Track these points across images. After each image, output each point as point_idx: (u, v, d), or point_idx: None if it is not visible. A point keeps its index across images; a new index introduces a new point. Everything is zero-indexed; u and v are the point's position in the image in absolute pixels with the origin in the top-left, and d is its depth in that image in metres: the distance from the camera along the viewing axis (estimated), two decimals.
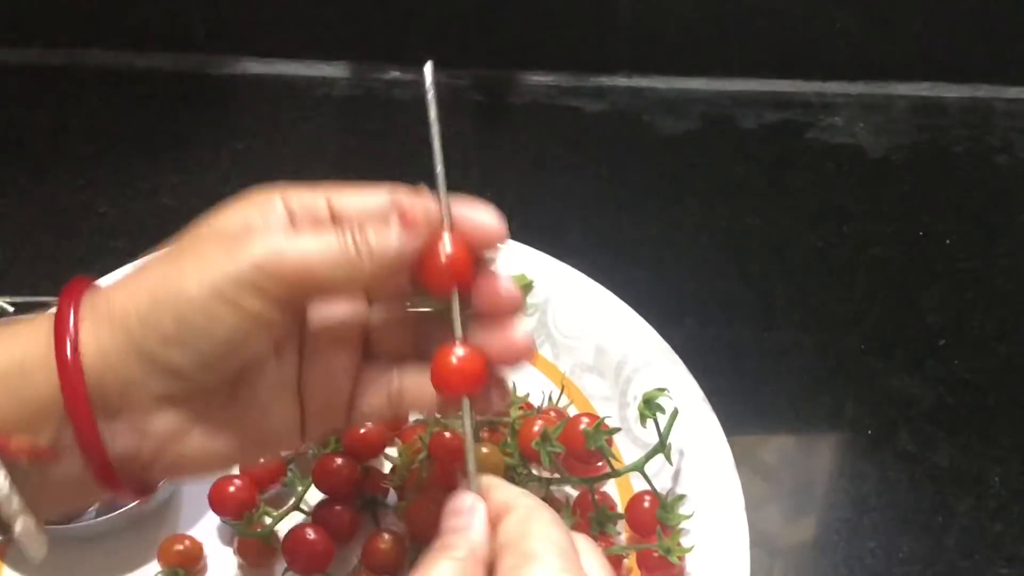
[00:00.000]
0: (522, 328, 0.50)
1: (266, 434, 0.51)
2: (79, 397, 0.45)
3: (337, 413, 0.52)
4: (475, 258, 0.48)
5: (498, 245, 0.49)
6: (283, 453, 0.68)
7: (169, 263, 0.47)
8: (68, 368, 0.45)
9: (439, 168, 0.48)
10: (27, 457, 0.45)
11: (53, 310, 0.46)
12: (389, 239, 0.46)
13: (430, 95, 0.49)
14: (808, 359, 0.78)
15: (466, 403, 0.48)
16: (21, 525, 0.46)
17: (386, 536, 0.65)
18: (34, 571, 0.67)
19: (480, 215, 0.49)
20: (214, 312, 0.45)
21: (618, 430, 0.64)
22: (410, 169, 0.85)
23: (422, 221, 0.47)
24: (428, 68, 0.49)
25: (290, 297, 0.46)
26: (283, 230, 0.47)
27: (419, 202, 0.47)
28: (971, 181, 0.90)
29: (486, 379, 0.49)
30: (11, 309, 0.77)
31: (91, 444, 0.46)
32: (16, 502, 0.45)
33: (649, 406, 0.63)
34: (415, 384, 0.52)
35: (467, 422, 0.49)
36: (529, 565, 0.43)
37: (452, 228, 0.47)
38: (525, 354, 0.50)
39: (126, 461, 0.47)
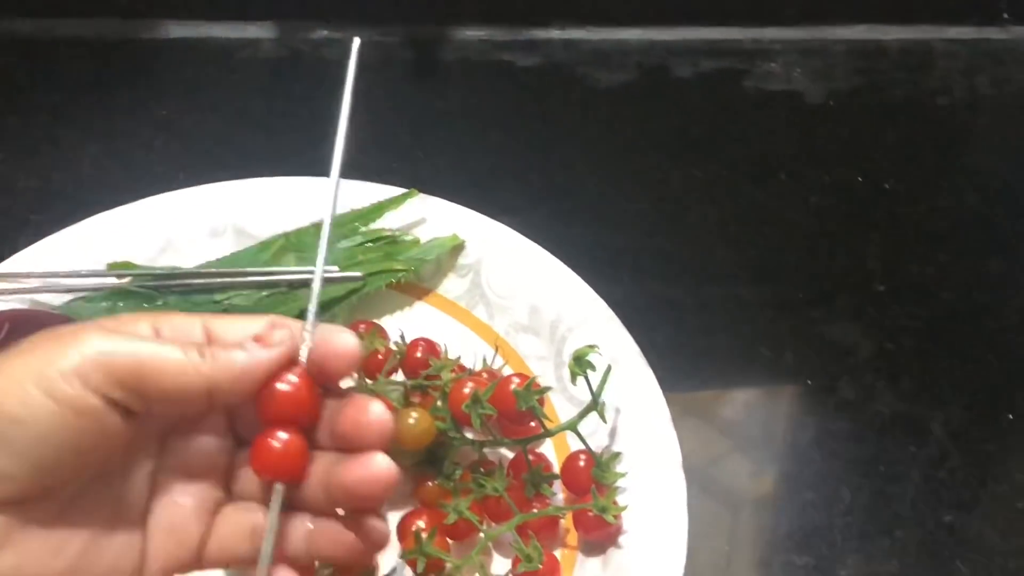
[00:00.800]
0: (383, 461, 0.45)
1: (96, 566, 0.45)
2: None
3: (186, 552, 0.47)
4: (318, 395, 0.46)
5: (351, 371, 0.47)
6: None
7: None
8: None
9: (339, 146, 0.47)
10: None
11: None
12: (240, 354, 0.44)
13: (349, 79, 0.48)
14: (747, 311, 0.77)
15: (278, 489, 0.46)
16: None
17: None
18: None
19: (337, 339, 0.46)
20: (30, 400, 0.41)
21: (549, 389, 0.63)
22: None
23: (276, 342, 0.45)
24: (355, 46, 0.48)
25: (121, 394, 0.42)
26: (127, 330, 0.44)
27: (283, 330, 0.45)
28: (911, 125, 0.89)
29: (304, 467, 0.46)
30: None
31: None
32: None
33: (579, 363, 0.62)
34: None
35: (274, 512, 0.46)
36: None
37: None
38: (385, 487, 0.45)
39: None
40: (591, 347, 0.63)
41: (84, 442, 0.42)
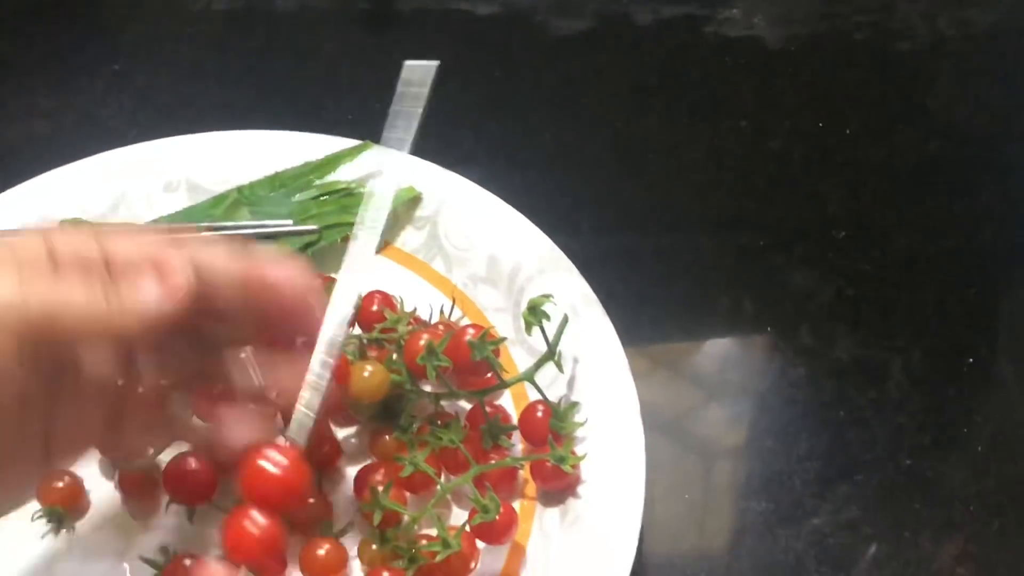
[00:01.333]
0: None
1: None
2: None
3: (84, 451, 0.51)
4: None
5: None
6: None
7: None
8: None
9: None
10: None
11: None
12: (143, 296, 0.45)
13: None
14: (706, 259, 0.77)
15: None
16: None
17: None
18: None
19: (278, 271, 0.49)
20: None
21: (503, 340, 0.63)
22: (294, 84, 0.83)
23: (181, 282, 0.46)
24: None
25: (32, 351, 0.43)
26: (37, 274, 0.44)
27: (180, 260, 0.46)
28: (872, 69, 0.89)
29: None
30: None
31: None
32: None
33: (534, 313, 0.62)
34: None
35: None
36: None
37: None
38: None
39: None
40: (546, 296, 0.62)
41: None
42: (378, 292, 0.70)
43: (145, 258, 0.46)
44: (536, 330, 0.66)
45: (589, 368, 0.67)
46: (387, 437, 0.65)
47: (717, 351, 0.73)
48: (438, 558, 0.59)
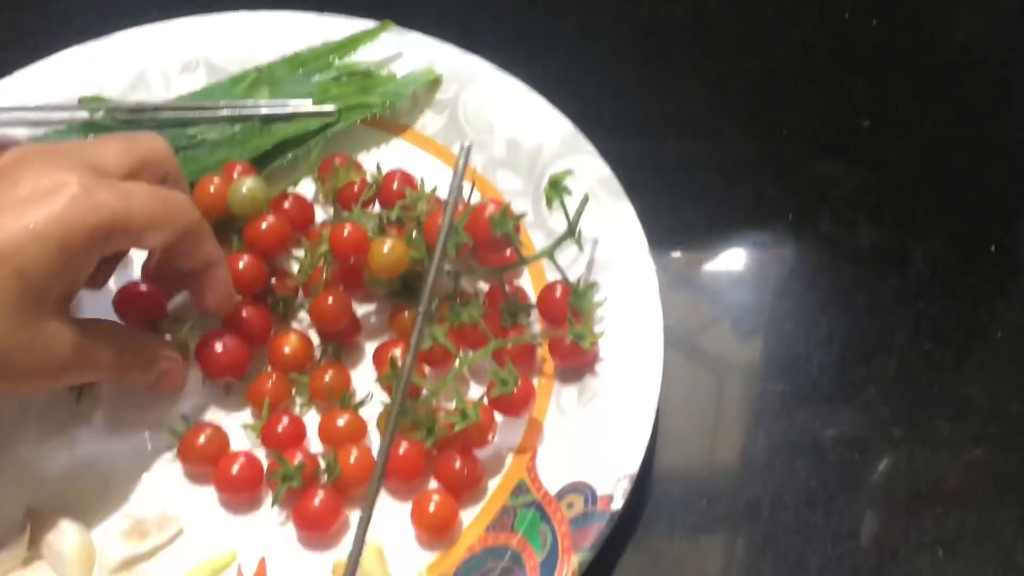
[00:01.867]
0: None
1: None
2: None
3: None
4: None
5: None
6: None
7: None
8: None
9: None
10: None
11: None
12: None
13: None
14: (728, 147, 0.77)
15: None
16: None
17: (292, 336, 0.64)
18: None
19: None
20: None
21: (524, 215, 0.63)
22: None
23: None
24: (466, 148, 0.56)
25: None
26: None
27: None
28: None
29: None
30: None
31: None
32: None
33: (555, 188, 0.62)
34: None
35: None
36: None
37: None
38: None
39: None
40: (567, 172, 0.62)
41: None
42: (399, 171, 0.70)
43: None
44: (556, 215, 0.67)
45: (608, 248, 0.67)
46: (406, 313, 0.66)
47: (737, 237, 0.73)
48: (457, 428, 0.59)
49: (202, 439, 0.62)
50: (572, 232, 0.64)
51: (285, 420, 0.62)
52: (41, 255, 0.51)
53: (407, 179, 0.70)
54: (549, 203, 0.62)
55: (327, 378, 0.64)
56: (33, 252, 0.51)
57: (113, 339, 0.58)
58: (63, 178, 0.52)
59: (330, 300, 0.64)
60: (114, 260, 0.63)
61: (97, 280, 0.62)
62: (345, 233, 0.64)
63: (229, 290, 0.62)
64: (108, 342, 0.57)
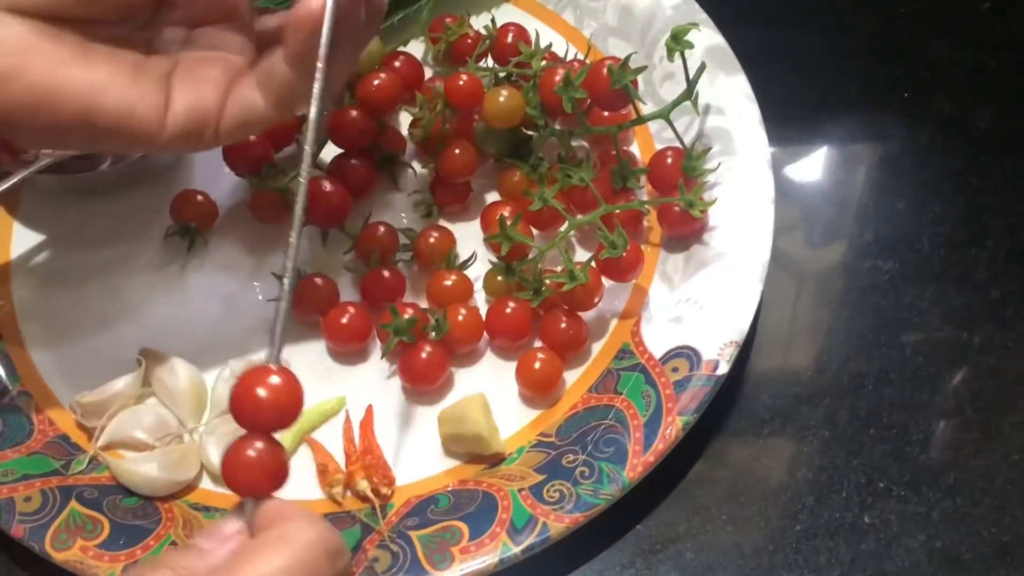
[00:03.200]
0: None
1: (122, 91, 0.48)
2: None
3: (202, 116, 0.50)
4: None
5: None
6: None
7: None
8: None
9: None
10: None
11: None
12: None
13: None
14: (844, 24, 0.73)
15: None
16: None
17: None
18: (46, 227, 0.64)
19: None
20: None
21: (644, 68, 0.59)
22: None
23: None
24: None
25: None
26: None
27: None
28: None
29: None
30: None
31: None
32: None
33: (677, 40, 0.58)
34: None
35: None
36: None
37: None
38: None
39: None
40: (691, 25, 0.59)
41: None
42: (512, 24, 0.67)
43: None
44: (665, 86, 0.64)
45: (720, 119, 0.64)
46: (516, 174, 0.63)
47: (849, 114, 0.70)
48: (565, 288, 0.57)
49: (313, 289, 0.60)
50: (690, 93, 0.61)
51: (387, 273, 0.61)
52: None
53: (522, 33, 0.67)
54: (670, 54, 0.59)
55: (432, 239, 0.62)
56: None
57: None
58: None
59: (457, 151, 0.62)
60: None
61: None
62: (461, 82, 0.62)
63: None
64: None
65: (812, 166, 0.68)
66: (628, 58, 0.59)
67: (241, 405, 0.42)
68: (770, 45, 0.71)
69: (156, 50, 0.50)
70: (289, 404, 0.43)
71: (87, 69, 0.47)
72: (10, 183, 0.61)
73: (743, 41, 0.66)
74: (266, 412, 0.42)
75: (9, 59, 0.45)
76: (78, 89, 0.47)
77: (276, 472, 0.43)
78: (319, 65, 0.46)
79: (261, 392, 0.42)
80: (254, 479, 0.42)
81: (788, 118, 0.69)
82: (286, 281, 0.45)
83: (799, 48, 0.72)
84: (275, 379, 0.42)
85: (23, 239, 0.64)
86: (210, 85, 0.50)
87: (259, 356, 0.59)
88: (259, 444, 0.42)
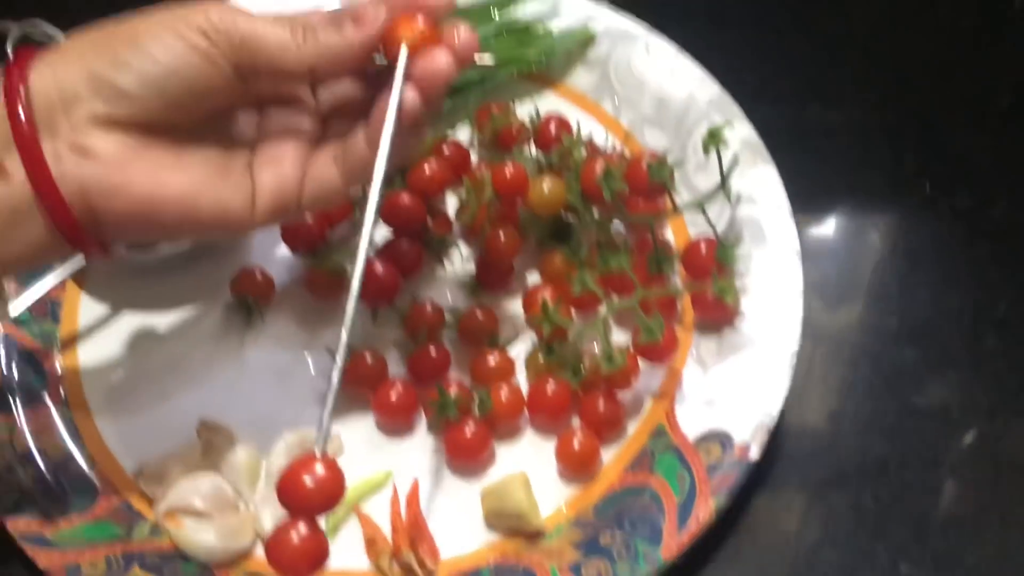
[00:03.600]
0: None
1: (217, 190, 0.50)
2: (21, 114, 0.45)
3: (288, 188, 0.52)
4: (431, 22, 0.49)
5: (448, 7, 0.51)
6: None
7: (129, 18, 0.49)
8: (14, 89, 0.46)
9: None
10: None
11: None
12: (334, 30, 0.49)
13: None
14: (871, 117, 0.74)
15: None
16: None
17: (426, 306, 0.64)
18: (112, 299, 0.66)
19: None
20: (163, 39, 0.47)
21: (682, 164, 0.61)
22: None
23: (371, 23, 0.49)
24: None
25: (234, 56, 0.48)
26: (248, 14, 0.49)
27: (378, 7, 0.49)
28: None
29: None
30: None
31: (32, 159, 0.46)
32: None
33: (713, 137, 0.60)
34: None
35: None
36: None
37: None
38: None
39: (70, 182, 0.46)
40: (726, 122, 0.60)
41: (201, 84, 0.48)
42: (555, 116, 0.69)
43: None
44: (699, 174, 0.66)
45: (751, 209, 0.65)
46: (557, 258, 0.65)
47: (875, 204, 0.71)
48: (603, 371, 0.59)
49: (363, 366, 0.61)
50: (724, 185, 0.62)
51: (433, 350, 0.62)
52: None
53: (563, 124, 0.69)
54: (705, 150, 0.61)
55: (477, 318, 0.63)
56: None
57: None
58: None
59: (502, 235, 0.64)
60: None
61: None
62: (507, 172, 0.64)
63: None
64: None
65: (839, 254, 0.69)
66: (666, 154, 0.60)
67: (288, 492, 0.46)
68: (799, 135, 0.73)
69: (235, 137, 0.52)
70: (332, 492, 0.46)
71: (182, 175, 0.49)
72: (82, 265, 0.62)
73: (773, 130, 0.67)
74: (310, 499, 0.46)
75: (114, 175, 0.47)
76: (176, 196, 0.49)
77: (317, 556, 0.46)
78: (385, 150, 0.49)
79: (307, 480, 0.45)
80: (296, 562, 0.45)
81: (815, 206, 0.70)
82: (335, 376, 0.47)
83: (826, 138, 0.73)
84: (320, 469, 0.45)
85: (90, 310, 0.66)
86: (288, 165, 0.52)
87: (310, 429, 0.60)
88: (303, 529, 0.45)
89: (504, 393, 0.60)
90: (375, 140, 0.50)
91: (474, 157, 0.71)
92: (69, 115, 0.46)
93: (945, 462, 0.61)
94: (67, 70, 0.47)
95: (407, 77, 0.49)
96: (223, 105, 0.50)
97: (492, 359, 0.62)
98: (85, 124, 0.47)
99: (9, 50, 0.71)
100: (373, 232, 0.62)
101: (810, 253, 0.64)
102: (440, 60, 0.49)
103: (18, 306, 0.64)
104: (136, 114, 0.47)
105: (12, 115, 0.46)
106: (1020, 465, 0.61)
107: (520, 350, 0.63)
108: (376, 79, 0.51)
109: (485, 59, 0.70)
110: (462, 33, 0.50)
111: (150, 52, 0.47)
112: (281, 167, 0.52)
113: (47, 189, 0.46)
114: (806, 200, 0.68)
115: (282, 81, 0.52)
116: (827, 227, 0.70)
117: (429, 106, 0.50)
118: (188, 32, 0.47)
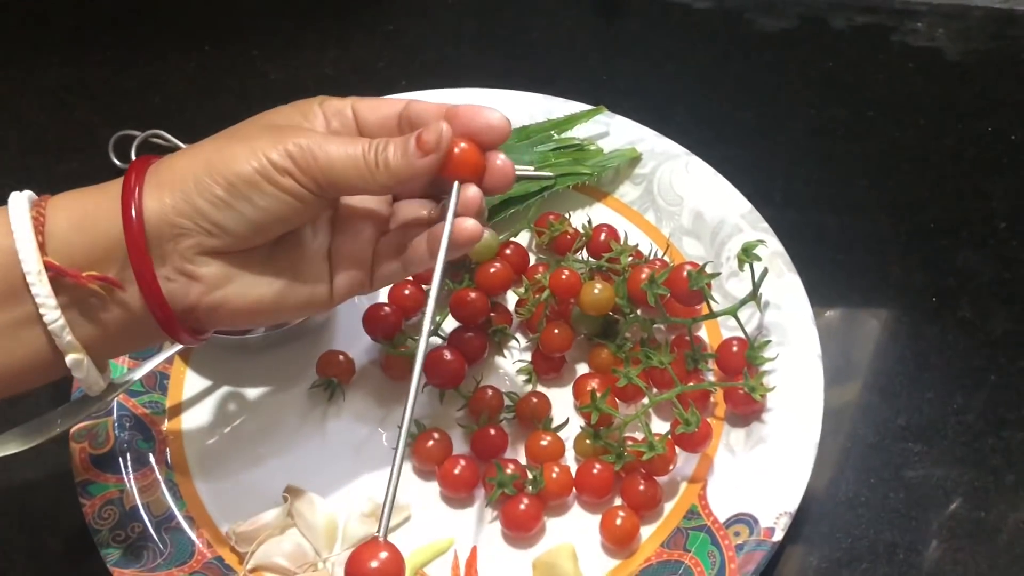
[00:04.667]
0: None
1: (300, 290, 0.53)
2: (139, 245, 0.48)
3: (361, 277, 0.55)
4: (481, 155, 0.52)
5: (502, 138, 0.53)
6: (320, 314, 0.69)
7: (224, 140, 0.51)
8: (131, 221, 0.48)
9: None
10: (98, 284, 0.48)
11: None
12: (403, 158, 0.50)
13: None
14: (882, 235, 0.76)
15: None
16: (72, 359, 0.49)
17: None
18: (213, 375, 0.68)
19: (487, 116, 0.53)
20: (257, 185, 0.49)
21: (718, 274, 0.63)
22: (536, 52, 0.83)
23: (434, 147, 0.50)
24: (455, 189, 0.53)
25: (318, 189, 0.50)
26: (319, 132, 0.52)
27: (434, 129, 0.50)
28: None
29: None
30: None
31: (148, 283, 0.49)
32: (68, 336, 0.49)
33: (747, 253, 0.62)
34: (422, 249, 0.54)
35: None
36: None
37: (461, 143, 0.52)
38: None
39: (178, 300, 0.50)
40: (759, 241, 0.62)
41: (293, 218, 0.51)
42: (605, 225, 0.71)
43: (388, 119, 0.54)
44: (730, 281, 0.67)
45: (779, 314, 0.66)
46: (604, 352, 0.66)
47: (887, 312, 0.72)
48: (644, 457, 0.59)
49: (431, 443, 0.63)
50: (755, 294, 0.63)
51: (493, 431, 0.63)
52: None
53: (613, 233, 0.71)
54: (740, 265, 0.62)
55: (532, 403, 0.64)
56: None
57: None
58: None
59: (556, 331, 0.65)
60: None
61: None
62: (563, 276, 0.65)
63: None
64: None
65: (854, 356, 0.70)
66: (705, 265, 0.62)
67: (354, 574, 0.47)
68: (819, 250, 0.74)
69: (314, 234, 0.54)
70: (392, 573, 0.48)
71: (271, 287, 0.52)
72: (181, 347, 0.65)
73: (797, 241, 0.69)
74: None
75: (216, 295, 0.50)
76: (268, 304, 0.52)
77: None
78: (442, 261, 0.52)
79: (372, 564, 0.47)
80: None
81: (833, 312, 0.71)
82: (393, 475, 0.49)
83: (844, 253, 0.74)
84: (383, 554, 0.47)
85: (194, 383, 0.67)
86: (360, 257, 0.55)
87: (381, 497, 0.61)
88: None
89: (555, 472, 0.61)
90: (434, 251, 0.52)
91: (533, 259, 0.72)
92: (177, 244, 0.49)
93: (948, 550, 0.61)
94: (174, 204, 0.49)
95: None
96: (305, 219, 0.53)
97: (544, 440, 0.63)
98: (191, 253, 0.49)
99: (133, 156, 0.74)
100: (439, 324, 0.64)
101: (826, 352, 0.64)
102: (475, 194, 0.53)
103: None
104: (235, 245, 0.50)
105: (130, 245, 0.48)
106: (1013, 553, 0.61)
107: (570, 434, 0.64)
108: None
109: (545, 173, 0.73)
110: (500, 165, 0.53)
111: (250, 198, 0.49)
112: (355, 260, 0.55)
113: (159, 306, 0.49)
114: (826, 304, 0.70)
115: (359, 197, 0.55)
116: (842, 330, 0.71)
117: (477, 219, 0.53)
118: (277, 176, 0.49)
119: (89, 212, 0.49)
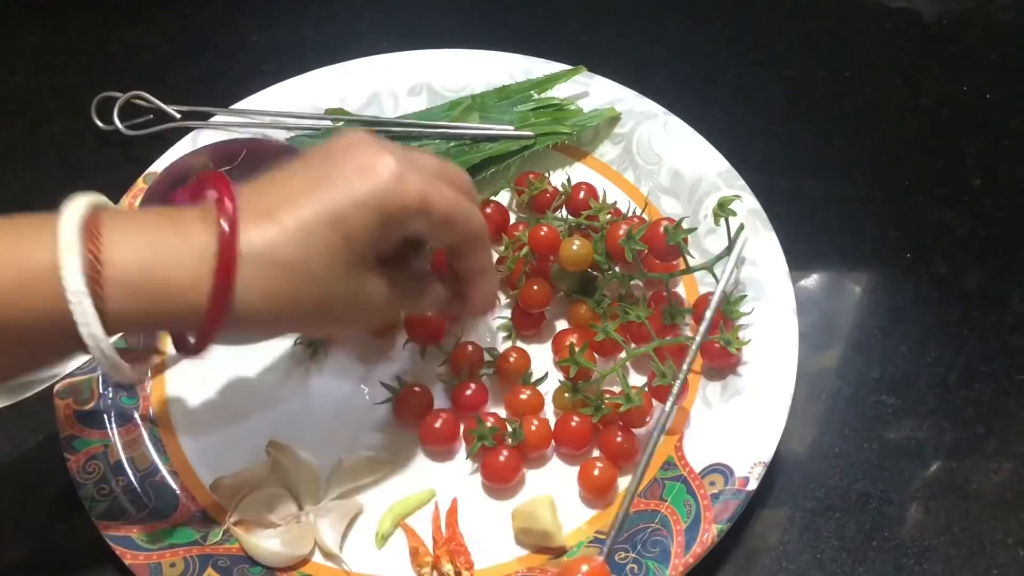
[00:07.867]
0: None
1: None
2: (218, 320, 0.47)
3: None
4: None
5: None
6: None
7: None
8: (221, 309, 0.47)
9: None
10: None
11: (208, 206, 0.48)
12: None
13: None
14: (859, 192, 0.75)
15: None
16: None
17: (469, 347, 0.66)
18: None
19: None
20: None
21: (694, 230, 0.63)
22: (518, 14, 0.82)
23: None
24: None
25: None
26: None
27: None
28: (1013, 46, 0.85)
29: None
30: (178, 115, 0.77)
31: (208, 340, 0.49)
32: (112, 354, 0.47)
33: (723, 208, 0.61)
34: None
35: None
36: None
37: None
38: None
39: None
40: (735, 196, 0.62)
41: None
42: (584, 184, 0.71)
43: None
44: (708, 238, 0.67)
45: (755, 269, 0.66)
46: (583, 308, 0.66)
47: (862, 269, 0.72)
48: (621, 409, 0.59)
49: (412, 396, 0.63)
50: (730, 250, 0.63)
51: (473, 385, 0.63)
52: (363, 221, 0.49)
53: (592, 191, 0.70)
54: (716, 220, 0.62)
55: (512, 358, 0.64)
56: (357, 218, 0.49)
57: (403, 285, 0.56)
58: (386, 159, 0.50)
59: (535, 288, 0.65)
60: (413, 247, 0.58)
61: (404, 259, 0.58)
62: (542, 232, 0.65)
63: (493, 297, 0.61)
64: (403, 289, 0.56)
65: (828, 312, 0.70)
66: (681, 220, 0.62)
67: None
68: (797, 205, 0.74)
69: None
70: None
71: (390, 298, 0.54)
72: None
73: (774, 201, 0.69)
74: None
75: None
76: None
77: None
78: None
79: None
80: None
81: (810, 269, 0.71)
82: None
83: (820, 209, 0.74)
84: None
85: None
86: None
87: (365, 451, 0.62)
88: None
89: (534, 425, 0.61)
90: (471, 313, 0.62)
91: (513, 218, 0.72)
92: (251, 321, 0.49)
93: (920, 499, 0.61)
94: (263, 297, 0.49)
95: None
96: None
97: (524, 394, 0.63)
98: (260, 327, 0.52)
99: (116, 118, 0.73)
100: None
101: (802, 308, 0.64)
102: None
103: None
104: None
105: (211, 323, 0.48)
106: (983, 503, 0.61)
107: (549, 387, 0.64)
108: None
109: (525, 132, 0.72)
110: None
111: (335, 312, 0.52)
112: (398, 296, 0.55)
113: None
114: (802, 261, 0.69)
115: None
116: (818, 287, 0.71)
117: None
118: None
119: (159, 262, 0.46)
